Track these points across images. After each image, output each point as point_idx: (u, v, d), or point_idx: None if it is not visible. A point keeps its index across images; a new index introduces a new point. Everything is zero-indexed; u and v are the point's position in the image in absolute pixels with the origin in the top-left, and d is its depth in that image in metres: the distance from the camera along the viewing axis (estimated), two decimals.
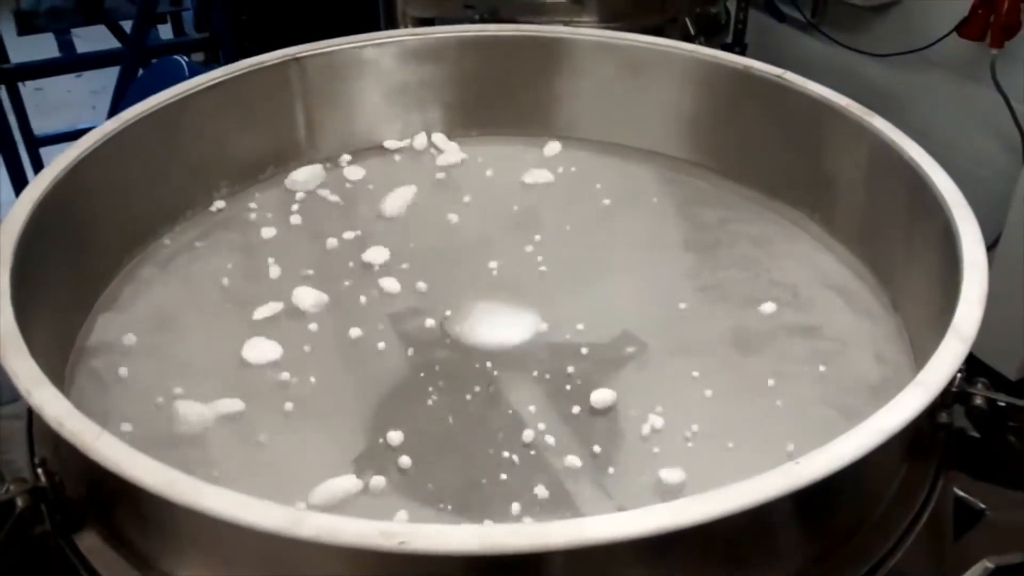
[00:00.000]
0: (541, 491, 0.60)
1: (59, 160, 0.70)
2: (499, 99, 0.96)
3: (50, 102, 3.17)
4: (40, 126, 2.37)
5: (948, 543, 0.61)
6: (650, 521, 0.42)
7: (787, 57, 2.27)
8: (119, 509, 0.50)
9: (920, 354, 0.67)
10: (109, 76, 2.31)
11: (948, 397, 0.56)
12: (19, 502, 0.50)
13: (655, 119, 0.93)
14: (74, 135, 2.42)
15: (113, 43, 2.53)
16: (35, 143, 2.32)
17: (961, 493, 0.63)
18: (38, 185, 0.67)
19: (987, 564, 0.51)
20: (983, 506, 0.66)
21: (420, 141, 0.96)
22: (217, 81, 0.83)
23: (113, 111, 2.08)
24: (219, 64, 2.27)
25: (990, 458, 0.58)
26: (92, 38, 2.61)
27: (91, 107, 3.20)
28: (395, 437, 0.63)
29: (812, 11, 2.24)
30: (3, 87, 2.18)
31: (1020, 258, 1.67)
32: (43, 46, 2.47)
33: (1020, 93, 1.81)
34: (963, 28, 1.85)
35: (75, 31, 2.57)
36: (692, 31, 1.67)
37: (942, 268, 0.64)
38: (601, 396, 0.66)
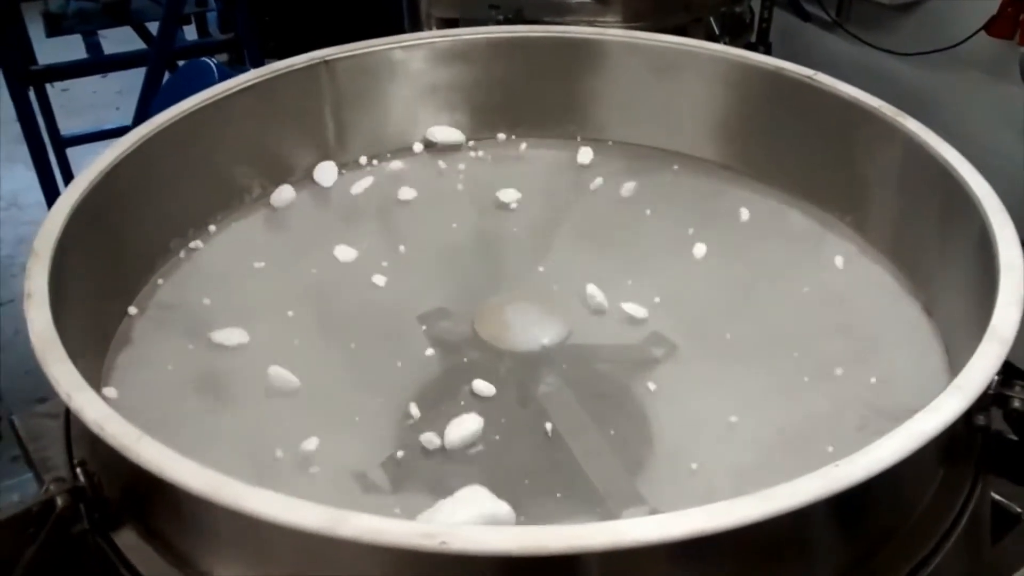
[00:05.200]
0: (574, 493, 0.60)
1: (96, 164, 0.70)
2: (528, 101, 0.96)
3: (76, 103, 3.21)
4: (66, 126, 2.39)
5: (986, 547, 0.60)
6: (689, 524, 0.42)
7: (812, 56, 2.26)
8: (158, 509, 0.51)
9: (955, 357, 0.67)
10: (133, 77, 2.34)
11: (986, 400, 0.56)
12: (59, 501, 0.51)
13: (685, 120, 0.92)
14: (100, 135, 2.45)
15: (138, 44, 2.56)
16: (62, 143, 2.34)
17: (998, 497, 0.63)
18: (75, 189, 0.67)
19: None
20: (1019, 510, 0.66)
21: (448, 142, 0.96)
22: (249, 84, 0.83)
23: (140, 112, 2.10)
24: (243, 65, 2.29)
25: None
26: (117, 39, 2.64)
27: (115, 108, 3.23)
28: (426, 438, 0.63)
29: (837, 10, 2.23)
30: (31, 88, 2.20)
31: None
32: (70, 48, 2.50)
33: None
34: (992, 26, 1.84)
35: (100, 32, 2.59)
36: (716, 31, 1.67)
37: (977, 271, 0.63)
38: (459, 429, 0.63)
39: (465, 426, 0.63)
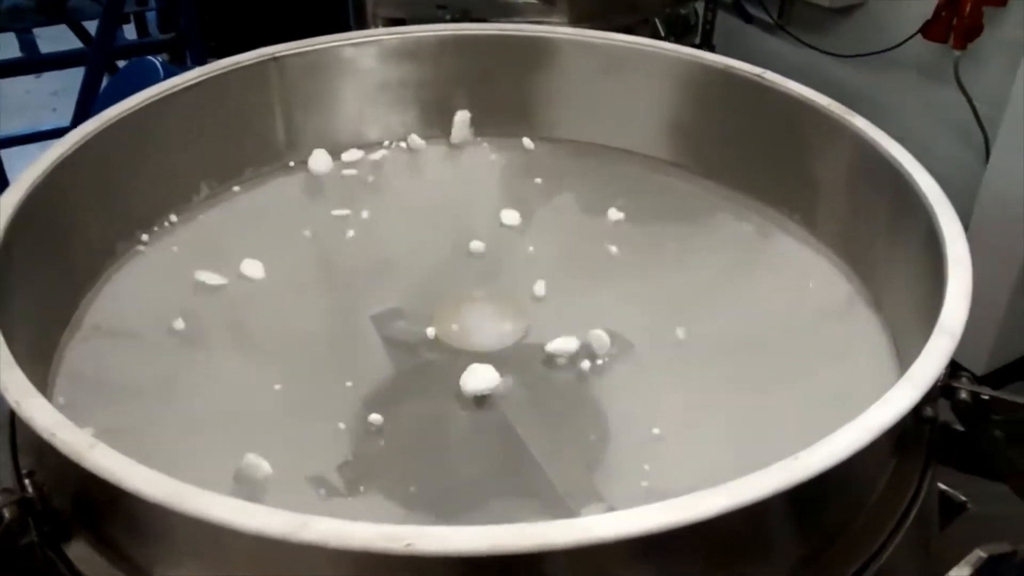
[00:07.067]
0: (533, 493, 0.60)
1: (40, 161, 0.68)
2: (479, 99, 0.95)
3: (9, 103, 3.10)
4: None
5: (934, 536, 0.61)
6: (656, 518, 0.42)
7: (754, 57, 2.29)
8: (112, 518, 0.49)
9: (903, 351, 0.68)
10: (69, 76, 2.28)
11: (935, 392, 0.57)
12: (6, 514, 0.49)
13: (635, 119, 0.93)
14: (36, 137, 2.37)
15: (74, 43, 2.49)
16: None
17: (944, 487, 0.64)
18: (17, 189, 0.65)
19: (980, 553, 0.52)
20: (964, 499, 0.67)
21: (399, 141, 0.95)
22: (196, 81, 0.82)
23: (80, 112, 2.04)
24: (184, 65, 2.25)
25: (975, 451, 0.59)
26: (52, 38, 2.57)
27: (51, 109, 3.14)
28: (379, 441, 0.63)
29: (779, 12, 2.27)
30: None
31: (985, 255, 1.70)
32: (3, 46, 2.43)
33: (982, 93, 1.85)
34: (927, 30, 1.89)
35: (35, 31, 2.52)
36: (662, 32, 1.68)
37: (925, 266, 0.64)
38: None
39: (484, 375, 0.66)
